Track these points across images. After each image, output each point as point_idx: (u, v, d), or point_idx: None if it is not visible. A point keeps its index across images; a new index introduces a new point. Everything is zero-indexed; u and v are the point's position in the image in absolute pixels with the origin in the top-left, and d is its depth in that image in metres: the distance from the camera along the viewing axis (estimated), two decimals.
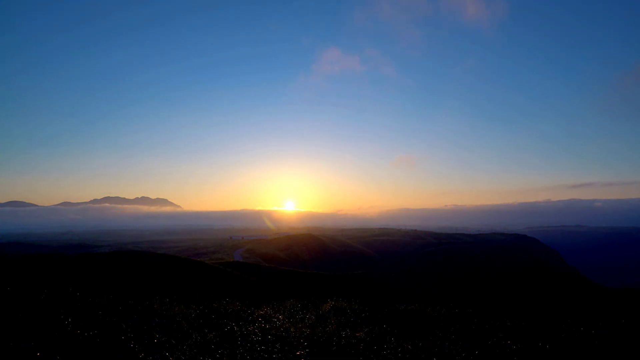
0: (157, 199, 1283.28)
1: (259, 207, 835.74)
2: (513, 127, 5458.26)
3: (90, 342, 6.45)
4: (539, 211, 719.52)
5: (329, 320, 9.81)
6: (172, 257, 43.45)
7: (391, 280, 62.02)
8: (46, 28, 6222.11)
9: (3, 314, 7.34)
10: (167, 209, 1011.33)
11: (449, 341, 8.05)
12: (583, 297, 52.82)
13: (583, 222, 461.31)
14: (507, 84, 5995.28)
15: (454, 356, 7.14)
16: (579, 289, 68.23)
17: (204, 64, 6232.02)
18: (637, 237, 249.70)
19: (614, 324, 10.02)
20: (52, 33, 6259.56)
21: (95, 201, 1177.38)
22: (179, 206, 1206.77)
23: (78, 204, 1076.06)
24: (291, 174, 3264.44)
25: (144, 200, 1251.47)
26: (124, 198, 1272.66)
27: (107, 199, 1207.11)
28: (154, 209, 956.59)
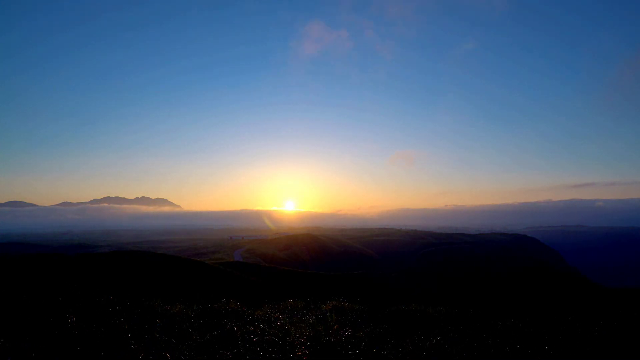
0: (157, 199, 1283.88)
1: (258, 207, 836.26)
2: (514, 126, 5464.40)
3: (90, 342, 6.44)
4: (540, 211, 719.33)
5: (330, 320, 9.81)
6: (172, 257, 43.44)
7: (391, 280, 61.98)
8: (46, 28, 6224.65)
9: (3, 313, 7.34)
10: (167, 209, 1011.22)
11: (449, 341, 8.04)
12: (583, 297, 52.77)
13: (584, 222, 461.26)
14: (507, 82, 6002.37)
15: (454, 356, 7.13)
16: (579, 289, 68.19)
17: (203, 64, 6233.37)
18: (638, 237, 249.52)
19: (614, 324, 10.02)
20: (52, 33, 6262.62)
21: (95, 201, 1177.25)
22: (178, 206, 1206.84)
23: (78, 204, 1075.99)
24: (291, 174, 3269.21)
25: (143, 200, 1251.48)
26: (124, 198, 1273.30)
27: (107, 199, 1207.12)
28: (154, 209, 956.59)
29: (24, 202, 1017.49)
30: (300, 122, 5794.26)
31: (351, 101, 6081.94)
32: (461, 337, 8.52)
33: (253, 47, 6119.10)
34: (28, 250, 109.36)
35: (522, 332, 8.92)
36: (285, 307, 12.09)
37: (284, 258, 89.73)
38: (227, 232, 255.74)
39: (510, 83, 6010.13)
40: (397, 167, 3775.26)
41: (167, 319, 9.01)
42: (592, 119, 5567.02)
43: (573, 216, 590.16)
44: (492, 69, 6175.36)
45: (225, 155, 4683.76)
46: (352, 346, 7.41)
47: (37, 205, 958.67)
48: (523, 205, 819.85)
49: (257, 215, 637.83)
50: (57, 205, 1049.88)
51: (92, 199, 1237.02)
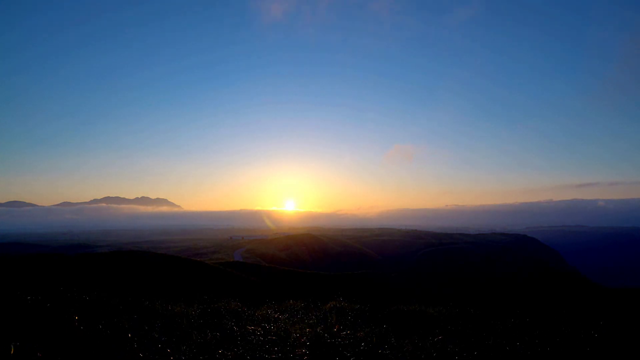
0: (157, 199, 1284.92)
1: (258, 207, 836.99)
2: (515, 125, 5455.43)
3: (91, 342, 6.45)
4: (541, 211, 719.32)
5: (330, 320, 9.81)
6: (172, 257, 43.46)
7: (391, 280, 62.00)
8: (45, 28, 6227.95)
9: (4, 313, 7.34)
10: (166, 209, 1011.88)
11: (449, 341, 8.05)
12: (583, 297, 52.79)
13: (585, 222, 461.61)
14: (508, 81, 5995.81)
15: (454, 356, 7.14)
16: (579, 289, 68.23)
17: (203, 63, 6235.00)
18: (638, 237, 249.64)
19: (615, 324, 10.03)
20: (51, 33, 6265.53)
21: (95, 201, 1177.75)
22: (178, 206, 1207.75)
23: (78, 204, 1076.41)
24: (291, 173, 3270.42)
25: (143, 200, 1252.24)
26: (124, 198, 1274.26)
27: (106, 199, 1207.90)
28: (153, 209, 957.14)
29: (24, 202, 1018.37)
30: (300, 121, 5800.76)
31: (352, 101, 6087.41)
32: (462, 337, 8.53)
33: (253, 45, 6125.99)
34: (28, 250, 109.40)
35: (523, 333, 8.93)
36: (286, 307, 12.09)
37: (284, 258, 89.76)
38: (227, 232, 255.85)
39: (510, 82, 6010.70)
40: (396, 164, 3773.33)
41: (168, 319, 9.02)
42: (595, 118, 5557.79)
43: (574, 216, 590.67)
44: (491, 68, 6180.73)
45: (224, 155, 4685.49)
46: (352, 346, 7.41)
47: (37, 206, 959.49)
48: (524, 205, 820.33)
49: (257, 215, 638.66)
50: (57, 205, 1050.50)
51: (91, 199, 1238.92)
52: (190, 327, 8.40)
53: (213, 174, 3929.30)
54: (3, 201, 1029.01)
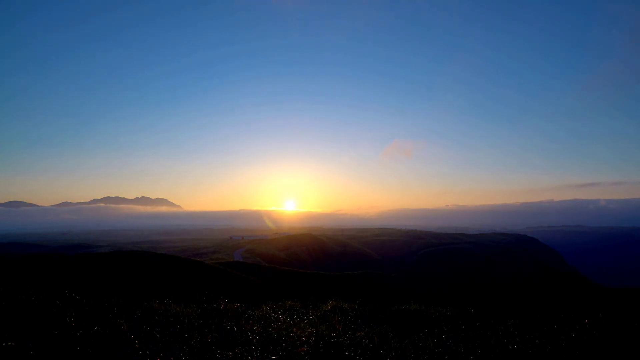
0: (157, 199, 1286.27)
1: (258, 207, 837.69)
2: (516, 125, 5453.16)
3: (90, 342, 6.42)
4: (542, 211, 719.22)
5: (330, 320, 9.78)
6: (172, 257, 43.43)
7: (391, 280, 61.97)
8: (45, 27, 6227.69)
9: (3, 313, 7.32)
10: (166, 209, 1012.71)
11: (449, 341, 8.02)
12: (583, 297, 52.78)
13: (586, 222, 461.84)
14: (508, 80, 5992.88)
15: (454, 356, 7.11)
16: (579, 288, 68.23)
17: (203, 63, 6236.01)
18: (638, 238, 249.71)
19: (615, 324, 10.00)
20: (51, 32, 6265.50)
21: (94, 201, 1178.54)
22: (178, 206, 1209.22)
23: (78, 204, 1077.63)
24: (290, 173, 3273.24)
25: (143, 200, 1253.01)
26: (124, 198, 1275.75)
27: (106, 199, 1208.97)
28: (153, 209, 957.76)
29: (24, 202, 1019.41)
30: (299, 121, 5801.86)
31: (351, 100, 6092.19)
32: (462, 337, 8.50)
33: (253, 44, 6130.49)
34: (28, 250, 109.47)
35: (524, 332, 8.90)
36: (285, 307, 12.07)
37: (284, 258, 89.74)
38: (227, 232, 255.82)
39: (511, 80, 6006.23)
40: (395, 160, 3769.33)
41: (167, 319, 9.00)
42: (597, 118, 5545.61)
43: (575, 216, 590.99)
44: (491, 67, 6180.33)
45: (224, 155, 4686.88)
46: (352, 346, 7.39)
47: (37, 206, 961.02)
48: (524, 206, 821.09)
49: (257, 215, 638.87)
50: (57, 205, 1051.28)
51: (91, 199, 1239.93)
52: (190, 327, 8.37)
53: (213, 174, 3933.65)
54: (3, 201, 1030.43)
